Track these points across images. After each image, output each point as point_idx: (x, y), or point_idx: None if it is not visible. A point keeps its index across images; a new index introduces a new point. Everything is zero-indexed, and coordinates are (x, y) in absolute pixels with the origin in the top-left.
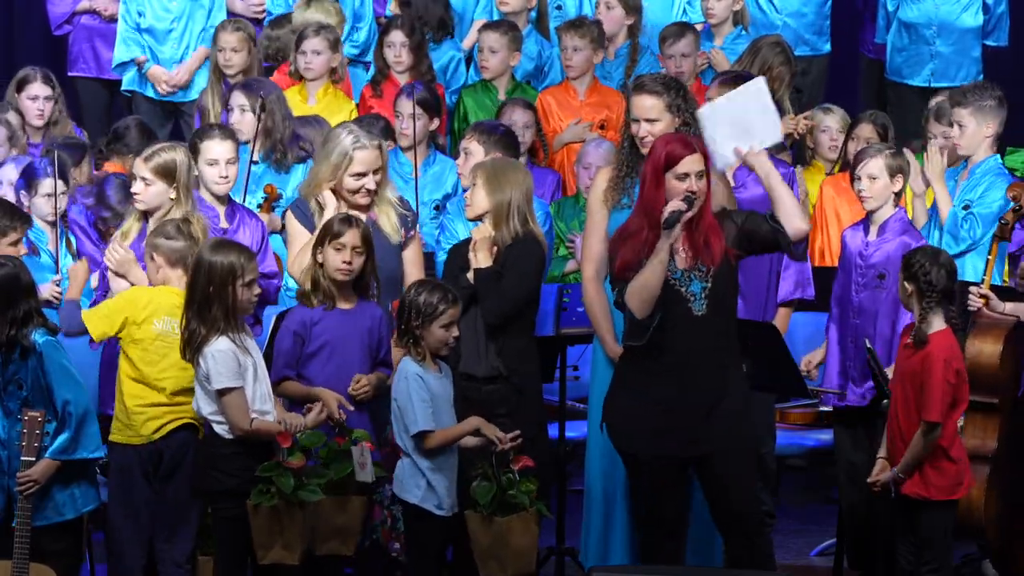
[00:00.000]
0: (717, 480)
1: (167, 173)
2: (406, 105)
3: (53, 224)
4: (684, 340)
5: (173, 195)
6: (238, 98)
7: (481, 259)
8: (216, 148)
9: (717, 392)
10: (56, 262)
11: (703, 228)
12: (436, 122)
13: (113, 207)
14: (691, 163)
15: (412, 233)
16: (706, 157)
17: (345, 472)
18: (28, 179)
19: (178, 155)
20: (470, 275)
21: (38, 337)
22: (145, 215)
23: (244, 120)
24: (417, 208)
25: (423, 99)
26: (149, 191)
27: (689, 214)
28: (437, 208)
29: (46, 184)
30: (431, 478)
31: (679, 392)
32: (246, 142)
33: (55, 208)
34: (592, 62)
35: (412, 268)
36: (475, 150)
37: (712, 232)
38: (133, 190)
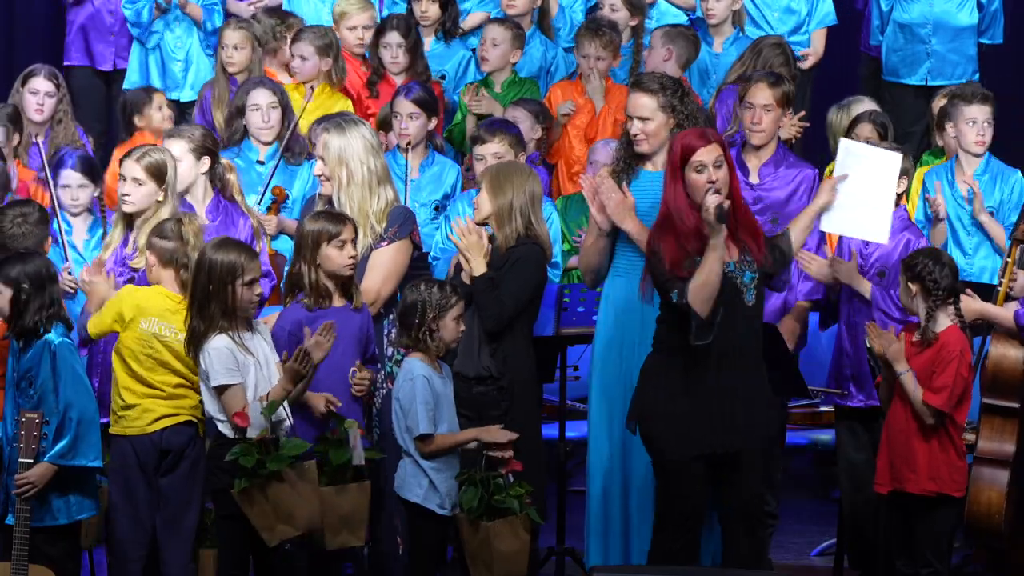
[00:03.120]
0: (739, 471)
1: (159, 174)
2: (404, 105)
3: (76, 215)
4: (736, 331)
5: (160, 197)
6: (265, 96)
7: (476, 266)
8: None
9: (759, 382)
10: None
11: (740, 218)
12: (434, 122)
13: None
14: (705, 153)
15: (383, 244)
16: (723, 147)
17: (343, 459)
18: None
19: (167, 155)
20: (464, 275)
21: (55, 337)
22: (129, 220)
23: (272, 117)
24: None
25: (420, 99)
26: (140, 191)
27: (726, 204)
28: (437, 208)
29: (64, 175)
30: (433, 477)
31: (727, 386)
32: (271, 142)
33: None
34: (611, 67)
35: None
36: (504, 152)
37: (752, 222)
38: (122, 191)
